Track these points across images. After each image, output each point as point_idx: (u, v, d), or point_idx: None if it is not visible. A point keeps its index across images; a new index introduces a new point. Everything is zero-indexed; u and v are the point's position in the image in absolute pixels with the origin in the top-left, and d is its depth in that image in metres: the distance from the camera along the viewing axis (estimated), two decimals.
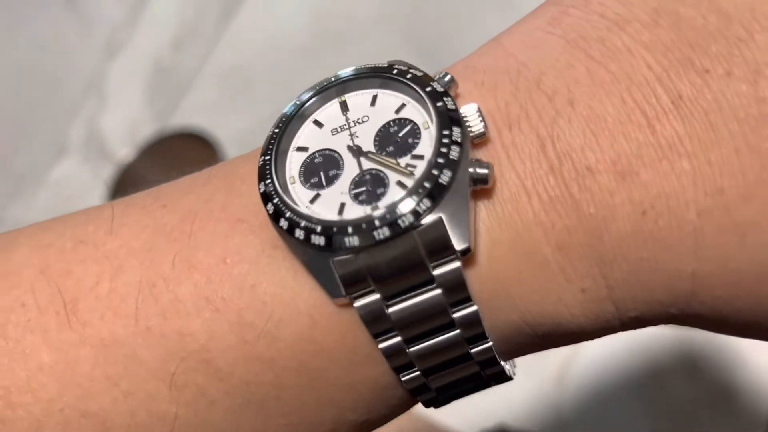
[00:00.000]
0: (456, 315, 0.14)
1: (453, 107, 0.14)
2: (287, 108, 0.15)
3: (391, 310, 0.14)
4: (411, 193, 0.13)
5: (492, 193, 0.13)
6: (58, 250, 0.15)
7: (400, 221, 0.13)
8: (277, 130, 0.15)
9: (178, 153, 0.53)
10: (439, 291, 0.13)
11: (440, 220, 0.13)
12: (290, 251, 0.14)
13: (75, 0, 0.69)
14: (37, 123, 0.65)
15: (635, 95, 0.13)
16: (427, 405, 0.16)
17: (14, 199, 0.61)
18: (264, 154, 0.15)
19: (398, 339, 0.14)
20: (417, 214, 0.13)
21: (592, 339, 0.15)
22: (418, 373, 0.14)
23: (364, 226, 0.13)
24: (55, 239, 0.15)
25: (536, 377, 0.45)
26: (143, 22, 0.67)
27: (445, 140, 0.13)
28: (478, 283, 0.14)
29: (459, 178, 0.13)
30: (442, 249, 0.13)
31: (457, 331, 0.14)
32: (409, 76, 0.15)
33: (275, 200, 0.14)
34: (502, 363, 0.15)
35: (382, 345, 0.14)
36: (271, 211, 0.14)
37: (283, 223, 0.14)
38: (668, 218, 0.13)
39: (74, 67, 0.67)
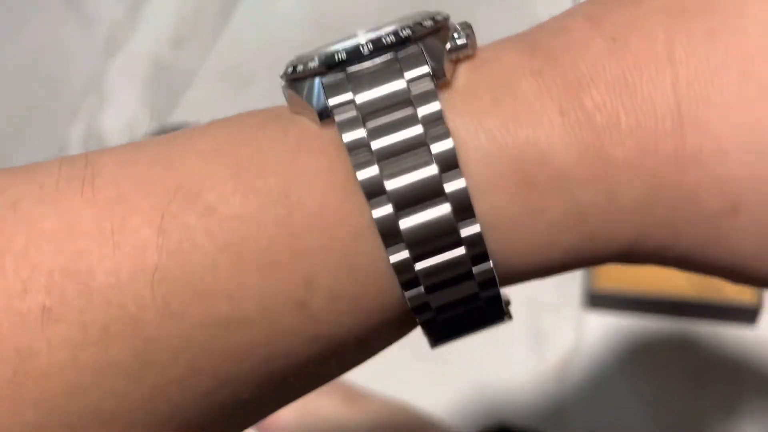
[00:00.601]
0: (448, 188, 0.14)
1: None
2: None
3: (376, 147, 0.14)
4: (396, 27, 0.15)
5: (472, 56, 0.15)
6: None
7: (383, 39, 0.14)
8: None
9: None
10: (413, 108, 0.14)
11: (420, 50, 0.14)
12: (293, 112, 0.15)
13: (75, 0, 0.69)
14: (37, 122, 0.65)
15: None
16: (426, 327, 0.16)
17: None
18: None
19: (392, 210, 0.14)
20: (399, 38, 0.14)
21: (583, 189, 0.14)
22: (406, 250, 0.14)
23: (352, 46, 0.14)
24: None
25: (536, 374, 0.45)
26: (142, 20, 0.67)
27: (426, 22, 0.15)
28: (453, 112, 0.14)
29: (439, 36, 0.15)
30: (419, 70, 0.14)
31: (451, 210, 0.14)
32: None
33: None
34: (501, 290, 0.15)
35: (375, 213, 0.14)
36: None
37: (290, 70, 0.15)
38: (638, 42, 0.14)
39: (74, 66, 0.67)
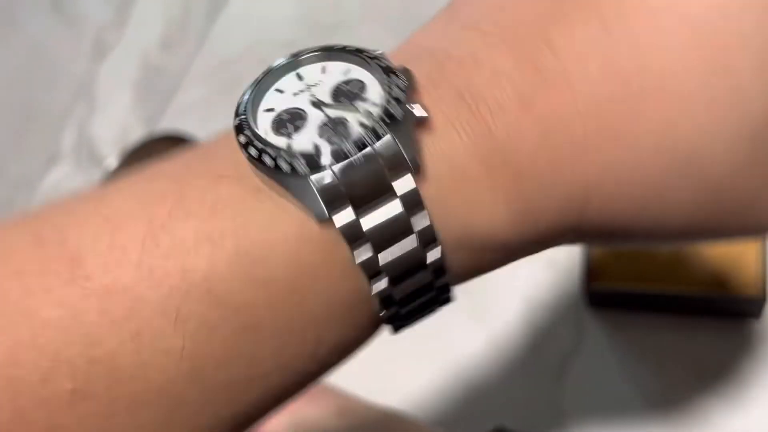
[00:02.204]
0: (414, 225, 0.16)
1: (390, 65, 0.17)
2: (246, 95, 0.18)
3: (362, 221, 0.16)
4: (372, 124, 0.16)
5: (427, 131, 0.16)
6: (52, 222, 0.16)
7: (366, 140, 0.16)
8: (246, 97, 0.17)
9: (166, 156, 0.52)
10: (398, 201, 0.16)
11: (393, 139, 0.16)
12: (272, 190, 0.16)
13: (61, 2, 0.68)
14: (28, 130, 0.65)
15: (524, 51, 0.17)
16: (390, 321, 0.18)
17: (8, 208, 0.61)
18: (237, 115, 0.17)
19: (371, 248, 0.16)
20: (376, 135, 0.16)
21: (521, 255, 0.18)
22: (386, 279, 0.17)
23: (337, 149, 0.16)
24: (47, 214, 0.17)
25: (535, 376, 0.44)
26: (131, 22, 0.67)
27: (392, 86, 0.16)
28: (426, 197, 0.16)
29: (406, 115, 0.16)
30: (398, 164, 0.16)
31: (416, 239, 0.16)
32: (348, 48, 0.18)
33: (258, 145, 0.16)
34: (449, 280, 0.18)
35: (358, 258, 0.16)
36: (254, 155, 0.16)
37: (269, 161, 0.16)
38: (561, 135, 0.16)
39: (63, 71, 0.66)
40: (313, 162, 0.16)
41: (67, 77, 0.65)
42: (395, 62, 0.17)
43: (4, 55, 0.67)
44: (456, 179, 0.16)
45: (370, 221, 0.16)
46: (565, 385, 0.44)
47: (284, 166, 0.16)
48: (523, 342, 0.45)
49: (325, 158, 0.16)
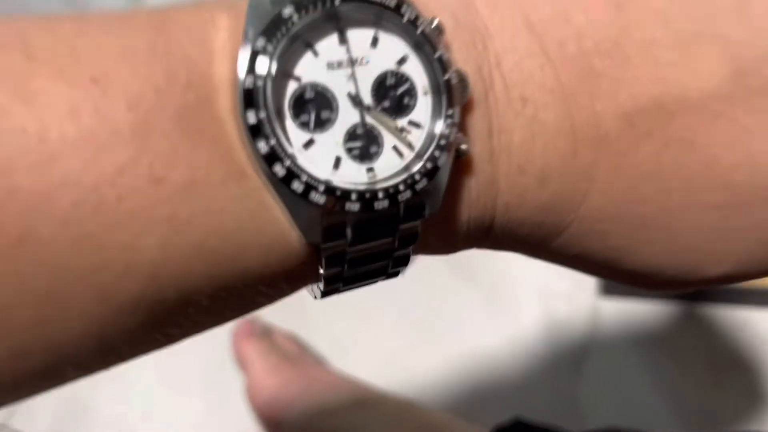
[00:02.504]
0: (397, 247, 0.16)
1: (448, 61, 0.15)
2: (270, 38, 0.13)
3: (350, 251, 0.15)
4: (409, 168, 0.14)
5: (463, 169, 0.16)
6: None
7: (399, 196, 0.14)
8: (273, 47, 0.13)
9: None
10: (395, 239, 0.15)
11: (424, 193, 0.15)
12: (261, 181, 0.13)
13: None
14: None
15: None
16: (329, 281, 0.16)
17: None
18: (251, 72, 0.13)
19: (343, 268, 0.15)
20: (414, 192, 0.14)
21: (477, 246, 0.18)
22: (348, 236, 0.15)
23: (367, 196, 0.14)
24: None
25: (553, 367, 0.44)
26: None
27: (449, 121, 0.14)
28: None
29: (447, 161, 0.15)
30: (417, 214, 0.15)
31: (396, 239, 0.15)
32: (408, 16, 0.14)
33: (272, 141, 0.13)
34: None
35: (325, 273, 0.15)
36: (264, 151, 0.13)
37: (280, 170, 0.13)
38: (560, 185, 0.16)
39: None
40: (333, 203, 0.13)
41: None
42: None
43: None
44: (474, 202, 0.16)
45: (359, 249, 0.15)
46: (582, 376, 0.44)
47: (297, 186, 0.13)
48: (540, 333, 0.45)
49: (350, 204, 0.14)
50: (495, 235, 0.17)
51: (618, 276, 0.17)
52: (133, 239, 0.13)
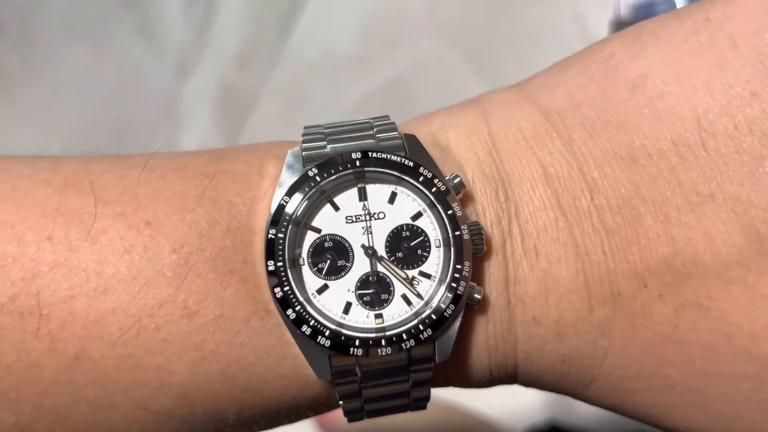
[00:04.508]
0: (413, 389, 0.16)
1: (466, 235, 0.15)
2: (299, 195, 0.15)
3: (363, 390, 0.16)
4: (417, 316, 0.15)
5: (479, 312, 0.16)
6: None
7: (403, 344, 0.15)
8: (298, 204, 0.15)
9: None
10: (407, 382, 0.16)
11: (433, 344, 0.15)
12: (281, 319, 0.15)
13: (145, 27, 0.73)
14: (121, 144, 0.69)
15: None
16: (349, 414, 0.17)
17: None
18: (275, 222, 0.15)
19: (359, 402, 0.16)
20: (419, 341, 0.15)
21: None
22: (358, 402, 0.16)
23: (371, 342, 0.15)
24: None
25: None
26: (210, 43, 0.71)
27: (457, 275, 0.15)
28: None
29: (458, 308, 0.15)
30: (426, 362, 0.16)
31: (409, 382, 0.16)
32: (421, 179, 0.16)
33: (285, 288, 0.15)
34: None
35: (343, 407, 0.16)
36: (279, 296, 0.15)
37: (291, 314, 0.15)
38: (577, 339, 0.16)
39: (150, 90, 0.70)
40: (340, 347, 0.15)
41: (154, 96, 0.70)
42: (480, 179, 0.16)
43: (98, 77, 0.72)
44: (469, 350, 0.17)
45: (372, 389, 0.16)
46: None
47: (306, 329, 0.15)
48: None
49: (354, 348, 0.15)
50: (523, 380, 0.17)
51: (664, 429, 0.17)
52: (166, 362, 0.15)
